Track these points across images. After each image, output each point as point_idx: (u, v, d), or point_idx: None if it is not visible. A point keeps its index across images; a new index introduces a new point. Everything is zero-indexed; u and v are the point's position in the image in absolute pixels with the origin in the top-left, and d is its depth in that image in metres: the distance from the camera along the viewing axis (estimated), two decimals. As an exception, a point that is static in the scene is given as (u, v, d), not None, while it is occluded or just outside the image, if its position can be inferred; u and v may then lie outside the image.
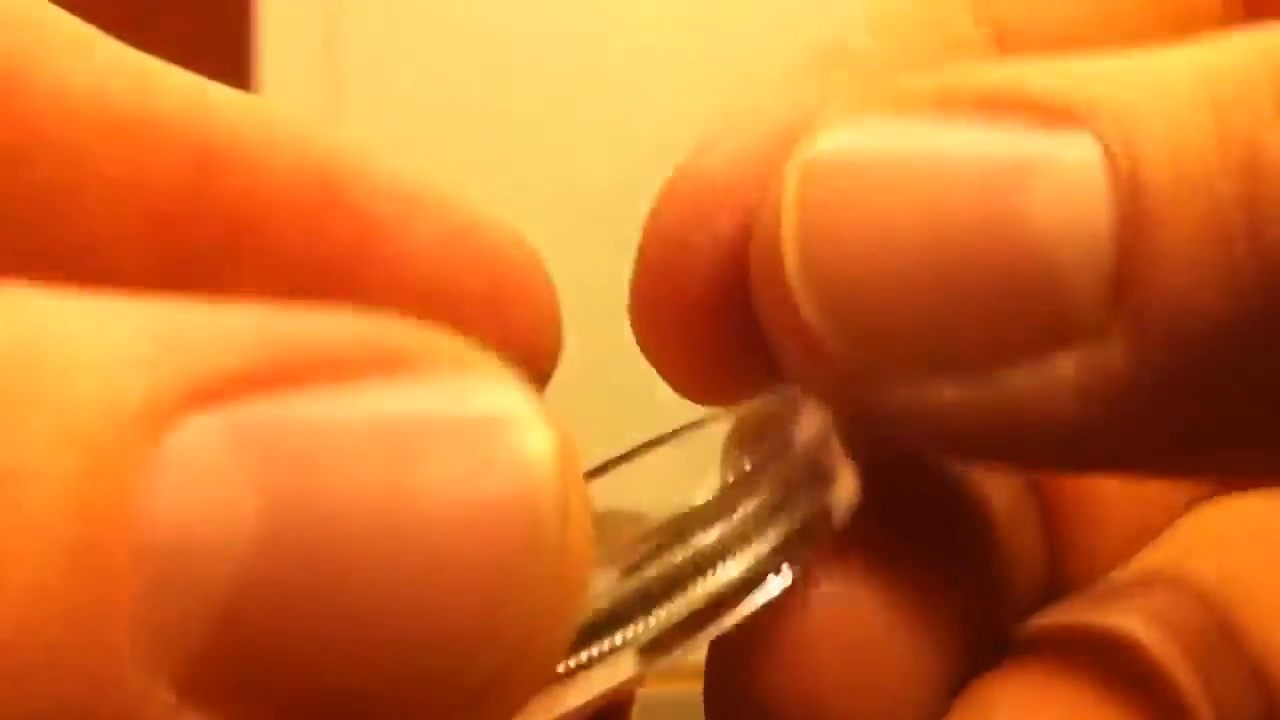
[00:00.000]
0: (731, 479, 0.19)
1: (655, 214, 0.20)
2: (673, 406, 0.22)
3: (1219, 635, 0.22)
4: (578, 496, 0.14)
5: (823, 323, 0.18)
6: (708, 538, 0.18)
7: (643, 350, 0.21)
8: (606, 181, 0.65)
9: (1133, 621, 0.22)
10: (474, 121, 0.73)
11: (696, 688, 0.21)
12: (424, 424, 0.14)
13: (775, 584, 0.19)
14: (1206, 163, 0.17)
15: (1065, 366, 0.17)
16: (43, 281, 0.21)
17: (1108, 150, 0.17)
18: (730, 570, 0.18)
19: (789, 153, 0.19)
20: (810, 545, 0.19)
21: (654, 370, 0.21)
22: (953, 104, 0.18)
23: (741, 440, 0.22)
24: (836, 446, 0.20)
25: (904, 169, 0.18)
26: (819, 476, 0.20)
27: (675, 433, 0.23)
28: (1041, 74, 0.18)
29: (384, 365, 0.14)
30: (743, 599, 0.18)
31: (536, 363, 0.23)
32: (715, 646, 0.20)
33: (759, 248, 0.19)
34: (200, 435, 0.13)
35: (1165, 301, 0.17)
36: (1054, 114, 0.18)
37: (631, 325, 0.21)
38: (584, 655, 0.17)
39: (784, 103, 0.21)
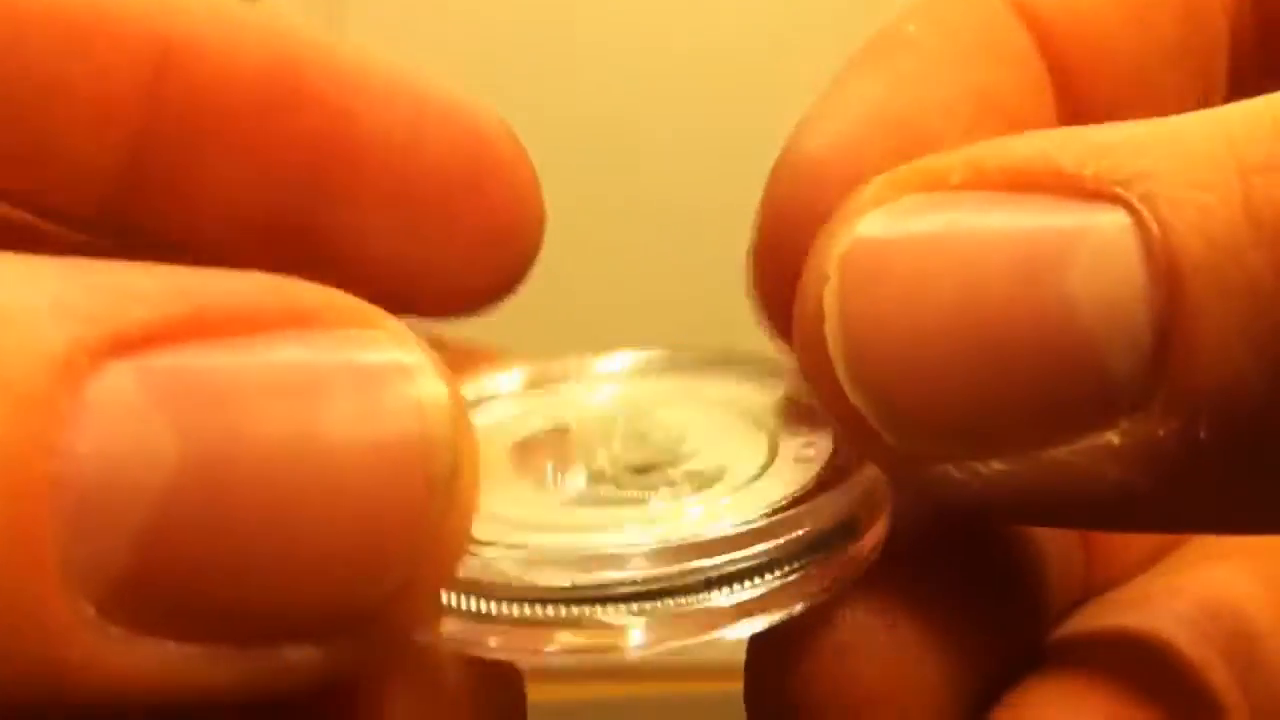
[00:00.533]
0: (773, 510, 0.19)
1: (770, 193, 0.21)
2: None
3: (1253, 636, 0.22)
4: (467, 439, 0.16)
5: (870, 412, 0.19)
6: (734, 558, 0.19)
7: (763, 318, 0.22)
8: (607, 180, 0.65)
9: (1168, 624, 0.22)
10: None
11: (730, 687, 0.21)
12: (326, 371, 0.15)
13: (787, 613, 0.19)
14: (1235, 230, 0.17)
15: (1110, 438, 0.18)
16: (3, 193, 0.21)
17: (1139, 222, 0.17)
18: (748, 592, 0.19)
19: (882, 139, 0.20)
20: (834, 583, 0.20)
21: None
22: (984, 181, 0.18)
23: (801, 417, 0.22)
24: (882, 488, 0.20)
25: (940, 253, 0.18)
26: (855, 523, 0.20)
27: (745, 359, 0.23)
28: (1068, 146, 0.18)
29: (290, 320, 0.15)
30: (761, 618, 0.19)
31: (520, 239, 0.24)
32: (755, 649, 0.20)
33: (802, 331, 0.19)
34: (120, 380, 0.14)
35: (1204, 372, 0.17)
36: (1085, 188, 0.18)
37: (752, 297, 0.22)
38: (611, 609, 0.19)
39: (870, 90, 0.22)
